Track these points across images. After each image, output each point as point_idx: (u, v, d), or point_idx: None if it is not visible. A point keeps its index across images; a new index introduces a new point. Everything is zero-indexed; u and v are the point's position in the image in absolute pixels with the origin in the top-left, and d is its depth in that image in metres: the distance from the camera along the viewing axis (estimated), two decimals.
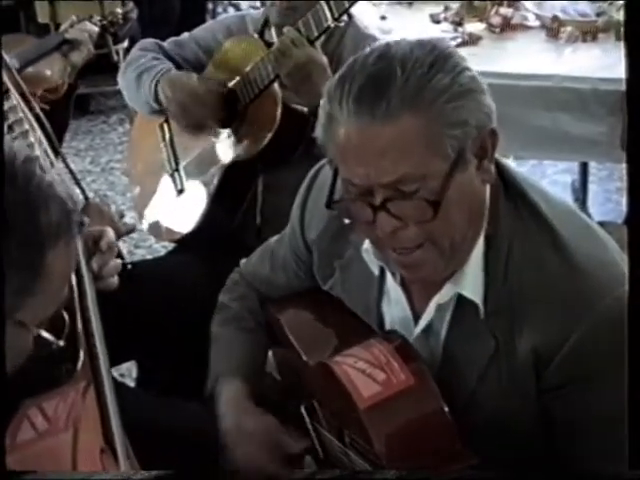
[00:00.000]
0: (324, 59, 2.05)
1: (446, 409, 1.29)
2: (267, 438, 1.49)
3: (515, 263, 1.30)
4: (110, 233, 1.48)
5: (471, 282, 1.32)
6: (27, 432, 1.20)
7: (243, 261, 1.76)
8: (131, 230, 2.09)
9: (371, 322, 1.47)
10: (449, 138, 1.21)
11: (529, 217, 1.32)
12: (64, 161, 2.13)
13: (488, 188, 1.32)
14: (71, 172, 2.16)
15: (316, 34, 2.03)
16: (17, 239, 0.97)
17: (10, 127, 1.81)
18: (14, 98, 1.88)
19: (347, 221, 1.36)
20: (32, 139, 1.82)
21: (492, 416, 1.33)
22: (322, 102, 1.27)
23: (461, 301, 1.34)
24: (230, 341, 1.64)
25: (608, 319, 1.24)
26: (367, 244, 1.39)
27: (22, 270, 0.99)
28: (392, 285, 1.43)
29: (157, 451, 1.31)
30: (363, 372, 1.33)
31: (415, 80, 1.20)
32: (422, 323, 1.39)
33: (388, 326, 1.46)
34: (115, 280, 1.46)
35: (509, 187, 1.34)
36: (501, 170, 1.33)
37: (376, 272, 1.43)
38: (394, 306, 1.44)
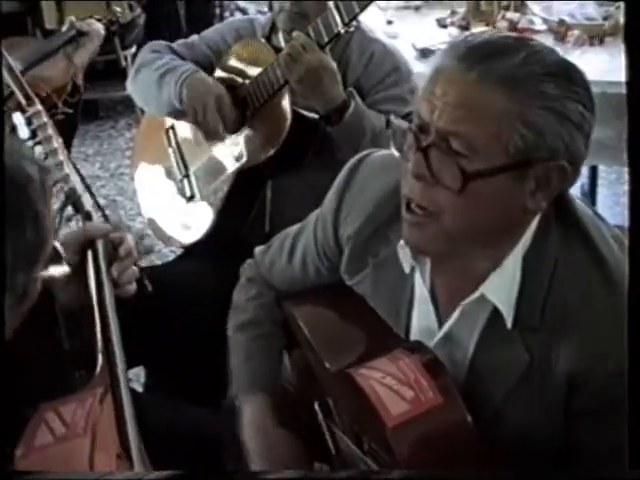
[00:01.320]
0: (334, 64, 2.05)
1: (474, 430, 1.27)
2: (291, 462, 1.49)
3: (559, 284, 1.29)
4: (129, 240, 1.48)
5: (498, 288, 1.30)
6: (45, 436, 1.20)
7: (258, 249, 1.72)
8: (148, 252, 2.09)
9: (398, 325, 1.45)
10: (518, 135, 1.20)
11: (579, 243, 1.30)
12: (74, 167, 2.13)
13: (538, 217, 1.30)
14: (82, 179, 2.16)
15: (326, 39, 2.03)
16: None
17: (34, 132, 1.81)
18: (38, 103, 1.88)
19: (394, 150, 1.34)
20: (56, 144, 1.82)
21: (515, 435, 1.31)
22: None
23: (495, 314, 1.32)
24: (249, 351, 1.62)
25: None
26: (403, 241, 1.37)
27: None
28: (420, 288, 1.42)
29: (165, 455, 1.31)
30: (391, 389, 1.31)
31: (527, 70, 1.21)
32: (445, 327, 1.38)
33: (414, 331, 1.44)
34: (133, 287, 1.46)
35: (562, 212, 1.32)
36: (558, 196, 1.31)
37: (407, 270, 1.40)
38: (419, 310, 1.42)
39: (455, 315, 1.36)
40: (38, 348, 1.37)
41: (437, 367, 1.33)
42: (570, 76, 1.24)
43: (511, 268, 1.30)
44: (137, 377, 2.67)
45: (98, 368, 1.29)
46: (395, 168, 1.35)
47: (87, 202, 1.63)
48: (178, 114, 2.32)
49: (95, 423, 1.20)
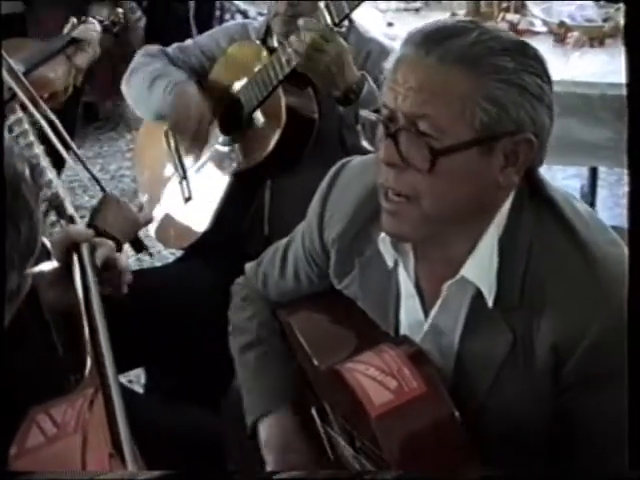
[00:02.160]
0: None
1: (458, 418, 1.29)
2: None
3: (535, 260, 1.31)
4: (123, 257, 1.49)
5: (476, 268, 1.32)
6: (36, 437, 1.20)
7: (248, 265, 1.73)
8: (149, 221, 2.12)
9: (387, 323, 1.46)
10: (482, 111, 1.24)
11: (551, 217, 1.33)
12: (76, 155, 2.15)
13: (511, 196, 1.32)
14: (84, 165, 2.18)
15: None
16: None
17: (15, 139, 1.82)
18: (19, 110, 1.89)
19: (365, 143, 1.37)
20: (37, 150, 1.82)
21: (506, 419, 1.32)
22: None
23: (477, 297, 1.34)
24: (260, 370, 1.62)
25: None
26: (384, 233, 1.39)
27: None
28: (405, 282, 1.43)
29: (165, 456, 1.31)
30: (374, 379, 1.33)
31: (482, 47, 1.25)
32: (431, 315, 1.39)
33: (403, 326, 1.45)
34: (125, 287, 1.47)
35: (534, 191, 1.35)
36: (529, 175, 1.34)
37: (390, 264, 1.42)
38: (406, 305, 1.44)
39: (439, 302, 1.38)
40: (32, 353, 1.37)
41: (421, 358, 1.35)
42: (524, 51, 1.28)
43: (488, 248, 1.32)
44: (138, 378, 2.68)
45: (87, 370, 1.29)
46: (375, 169, 1.37)
47: (70, 206, 1.63)
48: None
49: (86, 423, 1.21)
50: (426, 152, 1.24)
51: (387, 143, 1.28)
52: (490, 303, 1.32)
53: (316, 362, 1.48)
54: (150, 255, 2.26)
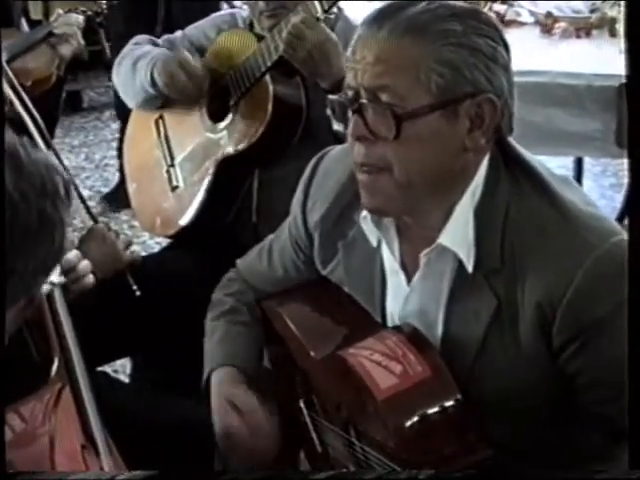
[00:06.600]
0: (335, 36, 2.06)
1: (462, 401, 1.30)
2: (261, 422, 1.50)
3: (513, 222, 1.33)
4: (84, 261, 1.47)
5: (452, 234, 1.34)
6: (6, 435, 1.20)
7: (239, 260, 1.75)
8: (134, 261, 2.03)
9: (373, 302, 1.47)
10: (436, 75, 1.27)
11: (527, 180, 1.35)
12: (56, 154, 2.13)
13: (485, 161, 1.34)
14: (63, 166, 2.15)
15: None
16: None
17: None
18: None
19: (336, 125, 1.40)
20: None
21: (498, 386, 1.33)
22: None
23: (459, 266, 1.35)
24: (224, 334, 1.64)
25: (608, 262, 1.26)
26: (365, 212, 1.40)
27: None
28: (389, 260, 1.44)
29: (150, 447, 1.31)
30: (379, 364, 1.34)
31: (429, 15, 1.29)
32: (413, 284, 1.40)
33: (389, 305, 1.45)
34: (91, 278, 1.45)
35: (509, 157, 1.37)
36: (502, 144, 1.37)
37: (374, 243, 1.44)
38: (392, 282, 1.45)
39: (419, 271, 1.39)
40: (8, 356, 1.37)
41: (423, 342, 1.37)
42: (475, 16, 1.32)
43: (464, 215, 1.34)
44: (123, 368, 2.68)
45: (55, 366, 1.29)
46: None
47: None
48: (165, 102, 2.32)
49: (54, 415, 1.21)
50: (391, 120, 1.28)
51: (354, 119, 1.32)
52: (470, 268, 1.33)
53: (312, 352, 1.49)
54: (135, 294, 2.09)
